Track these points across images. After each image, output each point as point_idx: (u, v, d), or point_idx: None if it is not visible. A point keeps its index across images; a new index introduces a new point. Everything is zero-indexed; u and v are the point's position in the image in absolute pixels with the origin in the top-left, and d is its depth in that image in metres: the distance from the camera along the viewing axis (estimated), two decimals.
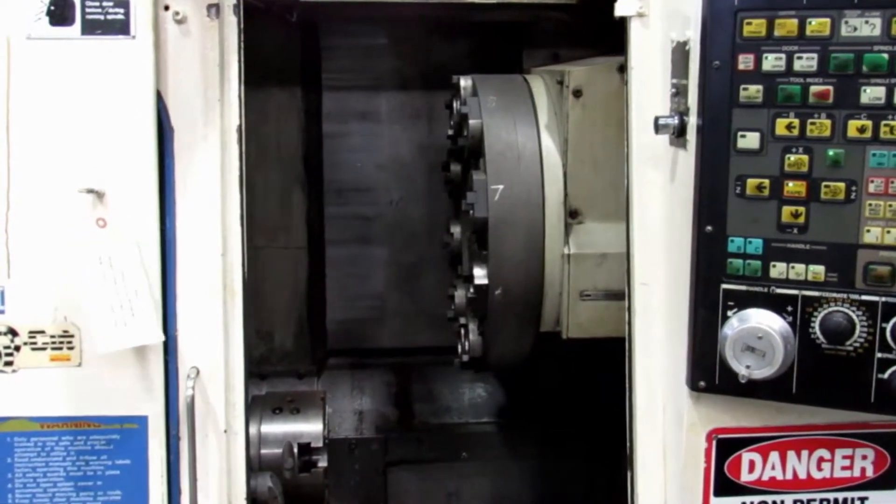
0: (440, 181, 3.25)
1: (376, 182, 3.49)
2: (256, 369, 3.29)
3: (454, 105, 2.85)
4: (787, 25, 1.81)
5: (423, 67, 3.43)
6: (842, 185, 1.82)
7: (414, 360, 3.51)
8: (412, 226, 3.50)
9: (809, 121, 1.83)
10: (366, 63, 3.44)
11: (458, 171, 3.06)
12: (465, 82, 2.71)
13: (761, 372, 1.88)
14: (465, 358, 2.74)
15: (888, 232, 1.81)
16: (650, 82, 2.11)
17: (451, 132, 2.94)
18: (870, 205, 1.81)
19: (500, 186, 2.45)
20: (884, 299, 1.83)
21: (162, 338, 2.08)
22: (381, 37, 3.44)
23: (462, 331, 2.81)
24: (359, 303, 3.54)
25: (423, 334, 3.52)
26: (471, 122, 2.55)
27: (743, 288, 1.91)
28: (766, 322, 1.88)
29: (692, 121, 1.94)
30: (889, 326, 1.83)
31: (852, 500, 2.10)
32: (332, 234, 3.48)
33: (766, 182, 1.87)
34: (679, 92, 2.01)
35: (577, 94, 2.48)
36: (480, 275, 2.51)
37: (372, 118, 3.46)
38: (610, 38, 2.24)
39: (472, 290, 2.57)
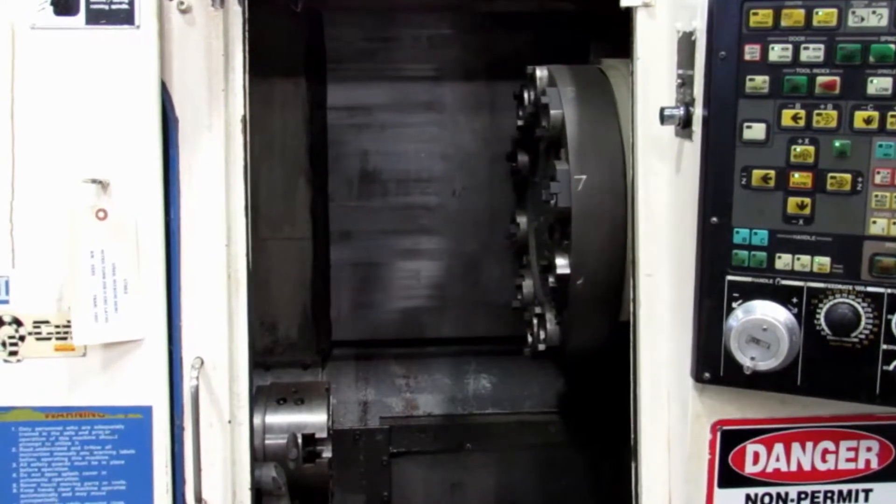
0: (502, 171, 3.27)
1: (439, 172, 3.49)
2: (261, 360, 3.29)
3: (525, 95, 2.86)
4: (793, 16, 1.81)
5: (487, 58, 3.42)
6: (848, 176, 1.82)
7: (423, 351, 3.51)
8: (473, 216, 3.49)
9: (815, 112, 1.82)
10: (429, 53, 3.44)
11: (526, 161, 3.07)
12: (540, 73, 2.71)
13: (766, 363, 1.88)
14: (542, 347, 2.76)
15: (894, 223, 1.80)
16: (656, 73, 2.10)
17: (520, 122, 2.94)
18: (876, 196, 1.81)
19: (584, 176, 2.45)
20: (889, 291, 1.83)
21: (142, 336, 2.09)
22: (446, 27, 3.43)
23: (536, 320, 2.82)
24: (417, 292, 3.55)
25: (482, 323, 3.52)
26: (552, 112, 2.55)
27: (748, 279, 1.91)
28: (771, 313, 1.88)
29: (698, 112, 1.93)
30: (895, 318, 1.83)
31: (857, 492, 2.10)
32: (394, 225, 3.48)
33: (772, 173, 1.86)
34: (685, 83, 2.01)
35: None
36: (563, 264, 2.52)
37: (436, 108, 3.46)
38: None
39: (552, 279, 2.58)
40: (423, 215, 3.48)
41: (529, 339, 2.86)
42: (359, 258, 3.49)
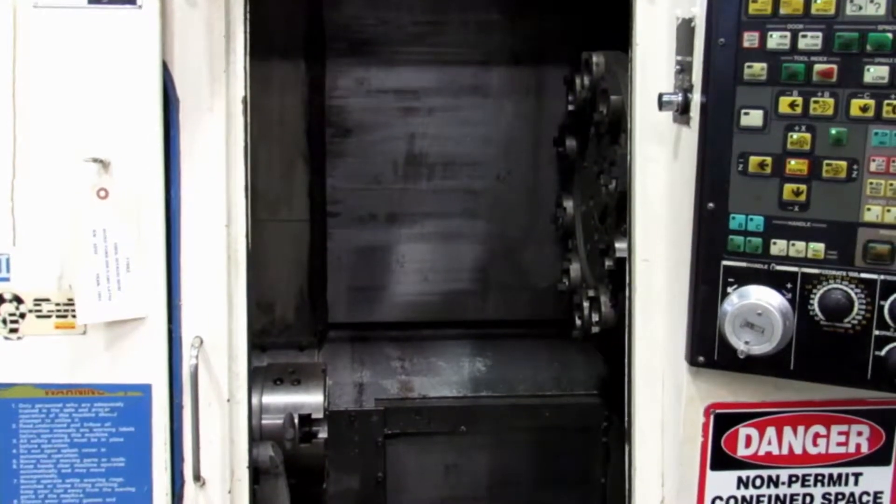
0: (546, 156, 3.30)
1: (484, 156, 3.51)
2: (257, 341, 3.30)
3: (578, 81, 2.88)
4: (792, 3, 1.82)
5: (534, 43, 3.42)
6: (843, 163, 1.84)
7: (416, 334, 3.53)
8: (517, 200, 3.51)
9: (812, 99, 1.84)
10: (477, 37, 3.44)
11: (574, 145, 3.08)
12: (597, 58, 2.74)
13: (760, 348, 1.90)
14: (595, 329, 2.79)
15: (888, 210, 1.82)
16: (655, 59, 2.11)
17: (571, 107, 2.95)
18: (871, 183, 1.82)
19: None
20: (882, 277, 1.85)
21: (145, 314, 2.10)
22: (494, 11, 3.44)
23: (587, 304, 2.84)
24: (461, 275, 3.57)
25: (524, 307, 3.57)
26: (612, 97, 2.58)
27: (743, 265, 1.93)
28: (766, 298, 1.90)
29: (696, 98, 1.94)
30: (887, 304, 1.85)
31: (847, 475, 2.13)
32: (439, 208, 3.51)
33: (769, 160, 1.88)
34: (683, 69, 2.02)
35: None
36: (622, 248, 2.54)
37: (482, 92, 3.46)
38: None
39: (609, 262, 2.60)
40: (467, 199, 3.50)
41: (578, 321, 2.87)
42: (400, 240, 3.51)
